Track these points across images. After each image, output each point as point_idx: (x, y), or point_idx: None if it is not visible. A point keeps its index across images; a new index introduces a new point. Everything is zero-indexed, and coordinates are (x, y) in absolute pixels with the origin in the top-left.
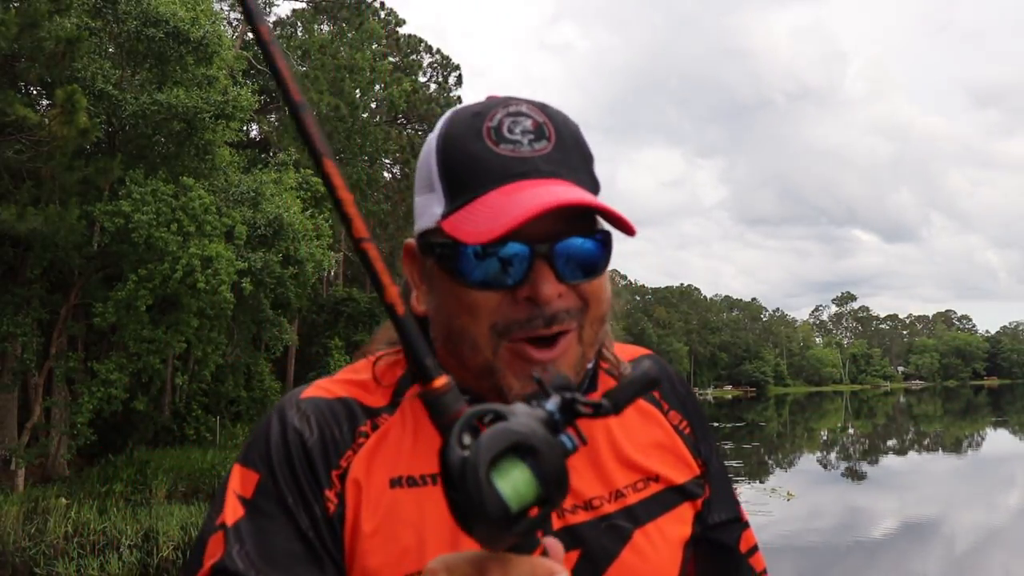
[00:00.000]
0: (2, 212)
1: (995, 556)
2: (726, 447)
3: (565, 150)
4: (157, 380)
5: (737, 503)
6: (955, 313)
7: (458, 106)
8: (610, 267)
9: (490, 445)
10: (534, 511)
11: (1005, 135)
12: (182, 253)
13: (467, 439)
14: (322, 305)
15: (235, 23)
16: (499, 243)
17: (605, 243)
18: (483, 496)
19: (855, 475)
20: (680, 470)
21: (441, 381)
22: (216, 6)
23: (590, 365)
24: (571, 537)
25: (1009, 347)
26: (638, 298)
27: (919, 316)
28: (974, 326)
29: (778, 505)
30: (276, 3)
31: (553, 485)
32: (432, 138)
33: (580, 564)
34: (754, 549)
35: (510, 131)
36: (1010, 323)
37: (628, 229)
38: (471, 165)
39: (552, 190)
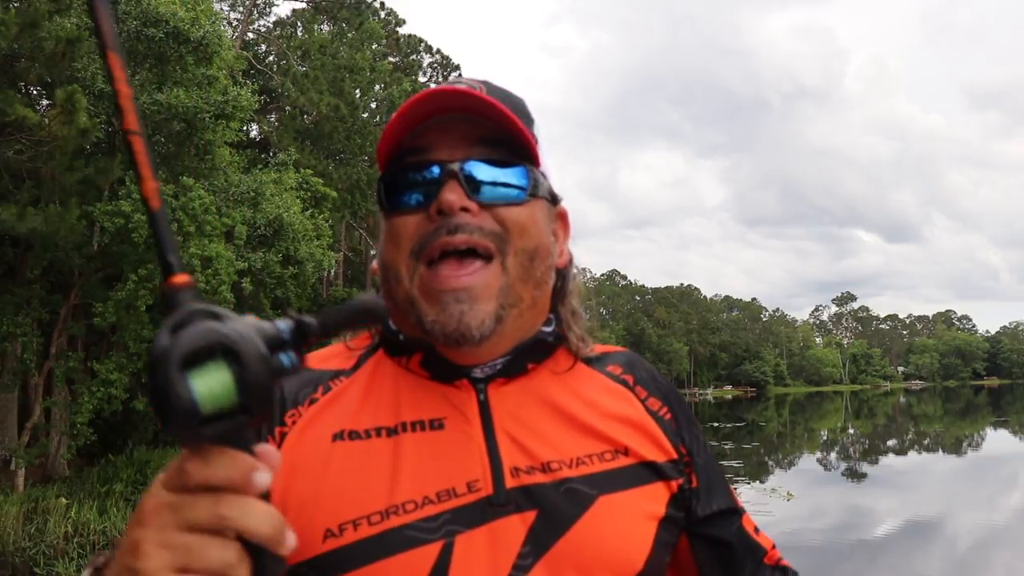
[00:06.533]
0: (2, 212)
1: (996, 556)
2: (726, 447)
3: (495, 95)
4: None
5: (734, 496)
6: (955, 313)
7: None
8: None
9: (188, 340)
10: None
11: (1005, 135)
12: (182, 253)
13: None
14: (322, 305)
15: (235, 23)
16: (415, 167)
17: (526, 174)
18: (169, 390)
19: (855, 475)
20: (653, 450)
21: (181, 278)
22: (216, 6)
23: (548, 329)
24: (527, 497)
25: (1009, 347)
26: (638, 298)
27: (919, 316)
28: (974, 326)
29: (778, 505)
30: (276, 3)
31: (253, 396)
32: None
33: (538, 524)
34: (756, 530)
35: (446, 82)
36: (1010, 323)
37: (530, 153)
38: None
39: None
